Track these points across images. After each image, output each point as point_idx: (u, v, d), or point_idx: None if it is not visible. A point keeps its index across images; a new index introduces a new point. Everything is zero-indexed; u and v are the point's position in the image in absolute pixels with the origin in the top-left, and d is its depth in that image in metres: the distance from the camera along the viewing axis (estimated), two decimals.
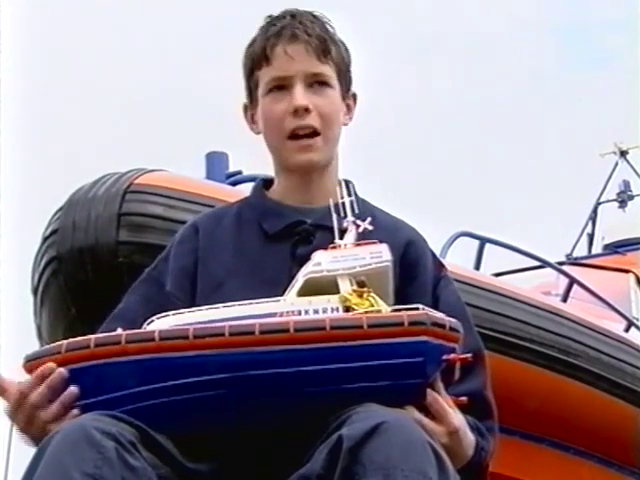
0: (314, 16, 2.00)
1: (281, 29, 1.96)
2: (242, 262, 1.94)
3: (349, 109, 2.05)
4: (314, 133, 1.95)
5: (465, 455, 1.79)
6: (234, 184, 3.80)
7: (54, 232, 3.26)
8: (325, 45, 1.96)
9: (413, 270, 1.93)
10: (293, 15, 1.98)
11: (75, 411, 1.68)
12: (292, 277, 1.81)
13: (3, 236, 4.19)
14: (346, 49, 2.03)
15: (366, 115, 2.15)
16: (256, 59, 1.98)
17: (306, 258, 1.83)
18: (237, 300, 1.74)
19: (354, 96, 2.06)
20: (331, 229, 1.85)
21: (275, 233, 1.97)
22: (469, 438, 1.80)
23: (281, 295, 1.75)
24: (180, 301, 1.88)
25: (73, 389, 1.68)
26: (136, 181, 3.26)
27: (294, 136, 1.95)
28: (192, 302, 1.88)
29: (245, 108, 2.07)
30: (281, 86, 1.96)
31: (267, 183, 2.08)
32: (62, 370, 1.68)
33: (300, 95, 1.93)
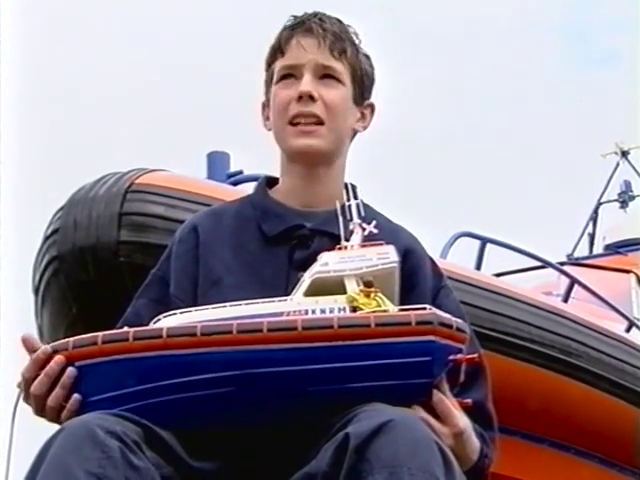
0: (339, 20, 2.03)
1: (299, 23, 2.00)
2: (240, 261, 1.94)
3: (364, 117, 2.06)
4: (317, 122, 1.96)
5: (469, 459, 1.80)
6: (235, 184, 3.79)
7: (55, 231, 3.25)
8: (340, 43, 1.98)
9: (411, 279, 1.92)
10: (316, 13, 2.01)
11: (77, 395, 1.69)
12: (289, 280, 1.83)
13: (3, 236, 4.19)
14: (369, 61, 2.05)
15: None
16: (273, 51, 2.02)
17: (303, 262, 1.84)
18: (233, 298, 1.75)
19: (371, 106, 2.07)
20: (330, 234, 1.87)
21: (274, 236, 1.96)
22: (474, 443, 1.81)
23: (278, 297, 1.74)
24: (182, 302, 1.88)
25: (71, 370, 1.69)
26: (137, 181, 3.26)
27: (296, 123, 1.96)
28: (194, 301, 1.88)
29: (263, 106, 2.08)
30: (291, 74, 1.98)
31: (271, 181, 2.08)
32: (60, 357, 1.69)
33: (307, 82, 1.95)
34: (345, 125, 2.01)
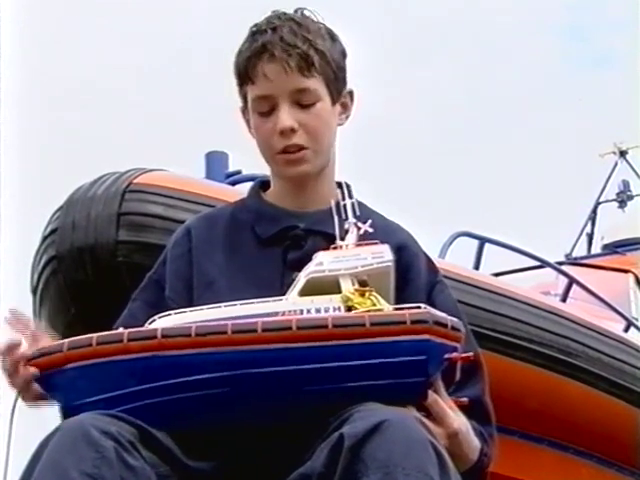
0: (297, 23, 1.93)
1: (261, 47, 1.91)
2: (234, 263, 1.94)
3: (345, 108, 2.01)
4: (301, 149, 1.92)
5: (468, 458, 1.80)
6: (233, 184, 3.80)
7: (53, 231, 3.26)
8: (307, 59, 1.90)
9: (405, 275, 1.92)
10: (274, 28, 1.92)
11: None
12: (284, 281, 1.83)
13: (3, 236, 4.18)
14: (335, 46, 1.97)
15: (367, 114, 2.14)
16: (241, 76, 1.96)
17: (297, 263, 1.84)
18: (228, 300, 1.75)
19: (350, 93, 2.02)
20: (324, 234, 1.87)
21: (268, 237, 1.96)
22: (473, 442, 1.81)
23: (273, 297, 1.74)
24: (177, 304, 1.88)
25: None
26: (135, 180, 3.26)
27: (283, 152, 1.93)
28: (189, 304, 1.87)
29: (243, 111, 2.05)
30: (267, 104, 1.92)
31: (264, 184, 2.08)
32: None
33: (284, 116, 1.90)
34: (329, 135, 1.97)
